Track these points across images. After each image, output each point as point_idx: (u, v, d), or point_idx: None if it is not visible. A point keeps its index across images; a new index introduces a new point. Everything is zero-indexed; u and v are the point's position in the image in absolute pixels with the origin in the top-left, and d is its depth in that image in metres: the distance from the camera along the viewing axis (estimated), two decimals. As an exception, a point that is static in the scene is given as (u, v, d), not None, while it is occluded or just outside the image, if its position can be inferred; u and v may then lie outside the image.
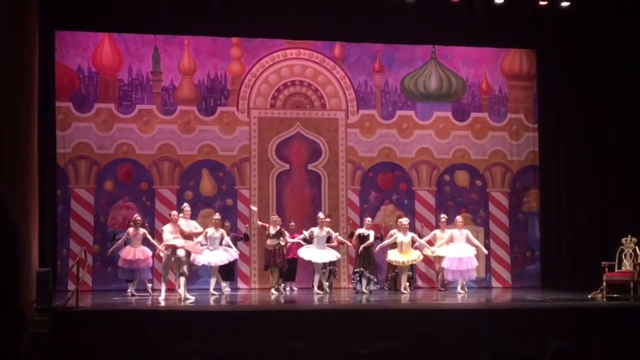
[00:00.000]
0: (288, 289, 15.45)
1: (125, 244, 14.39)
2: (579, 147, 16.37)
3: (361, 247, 14.98)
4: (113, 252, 14.64)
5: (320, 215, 15.19)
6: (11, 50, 10.67)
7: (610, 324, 11.88)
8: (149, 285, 14.68)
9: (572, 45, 16.36)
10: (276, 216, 15.28)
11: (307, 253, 14.82)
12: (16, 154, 10.99)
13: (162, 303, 13.11)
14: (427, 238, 15.55)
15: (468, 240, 15.14)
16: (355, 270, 15.13)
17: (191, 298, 13.25)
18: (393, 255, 15.00)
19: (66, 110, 15.98)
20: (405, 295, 14.72)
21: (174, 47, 16.56)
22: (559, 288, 15.69)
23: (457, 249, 15.03)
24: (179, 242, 13.44)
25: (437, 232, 15.61)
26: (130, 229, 14.35)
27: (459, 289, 15.07)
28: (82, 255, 13.13)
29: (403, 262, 14.98)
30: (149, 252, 14.47)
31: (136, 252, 14.27)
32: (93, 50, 16.21)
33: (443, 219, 15.64)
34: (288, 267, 15.11)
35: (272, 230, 14.95)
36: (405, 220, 15.18)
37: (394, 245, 15.03)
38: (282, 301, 14.01)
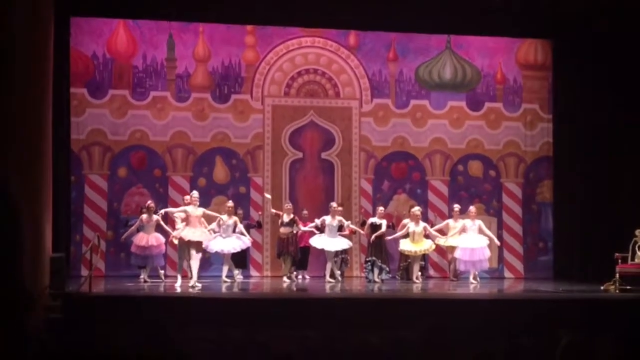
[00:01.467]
0: (300, 277, 15.46)
1: (138, 230, 14.42)
2: (593, 138, 16.30)
3: (373, 236, 14.97)
4: (126, 238, 14.67)
5: (333, 204, 15.17)
6: (26, 36, 10.68)
7: (623, 316, 11.85)
8: (162, 271, 14.73)
9: (588, 36, 16.29)
10: (290, 204, 15.27)
11: (319, 241, 14.81)
12: (30, 140, 11.01)
13: (178, 289, 13.16)
14: (439, 227, 15.52)
15: (480, 231, 15.11)
16: (368, 259, 15.14)
17: (198, 285, 13.28)
18: (405, 245, 14.98)
19: (81, 97, 16.01)
20: (417, 284, 14.72)
21: (189, 34, 16.55)
22: (571, 279, 15.65)
23: (470, 239, 15.00)
24: (191, 234, 13.41)
25: (449, 221, 15.58)
26: (144, 216, 14.37)
27: (471, 279, 15.05)
28: (95, 241, 13.20)
29: (415, 252, 14.97)
30: (162, 239, 14.49)
31: (149, 239, 14.30)
32: (108, 36, 16.23)
33: (456, 209, 15.62)
34: (300, 255, 15.11)
35: (286, 218, 14.96)
36: (417, 210, 15.16)
37: (406, 234, 15.02)
38: (294, 289, 14.01)
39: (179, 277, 13.73)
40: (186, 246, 13.48)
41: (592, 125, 16.30)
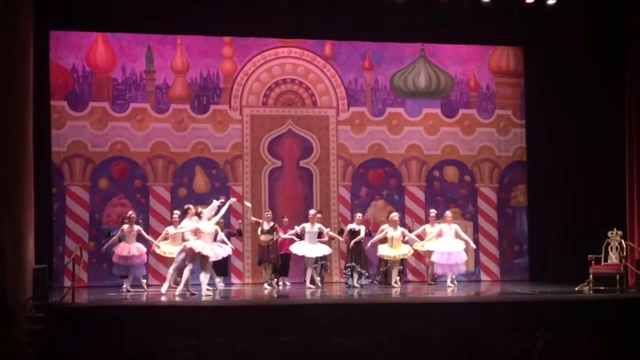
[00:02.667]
0: (281, 284, 15.43)
1: (120, 240, 14.36)
2: (565, 143, 16.39)
3: (352, 242, 14.98)
4: (107, 249, 14.60)
5: (312, 211, 15.18)
6: (6, 50, 10.61)
7: (598, 316, 11.92)
8: (144, 281, 14.67)
9: (558, 43, 16.39)
10: (269, 212, 15.25)
11: (299, 248, 14.81)
12: (11, 153, 10.93)
13: (163, 297, 13.13)
14: (416, 232, 15.56)
15: (457, 235, 15.15)
16: (347, 264, 15.13)
17: (196, 293, 13.31)
18: (384, 250, 15.01)
19: (61, 109, 15.93)
20: (396, 289, 14.73)
21: (167, 46, 16.51)
22: (546, 281, 15.73)
23: (447, 244, 15.04)
24: (202, 247, 13.34)
25: (426, 226, 15.61)
26: (125, 226, 14.32)
27: (448, 283, 15.08)
28: (77, 252, 13.12)
29: (394, 257, 15.00)
30: (144, 249, 14.45)
31: (131, 249, 14.25)
32: (87, 50, 16.15)
33: (432, 214, 15.68)
34: (281, 262, 15.08)
35: (266, 226, 14.93)
36: (395, 215, 15.21)
37: (384, 240, 15.04)
38: (275, 296, 13.98)
39: (169, 282, 13.69)
40: (197, 257, 13.40)
41: (565, 130, 16.39)
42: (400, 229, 15.11)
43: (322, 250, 14.93)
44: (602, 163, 16.03)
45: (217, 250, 13.54)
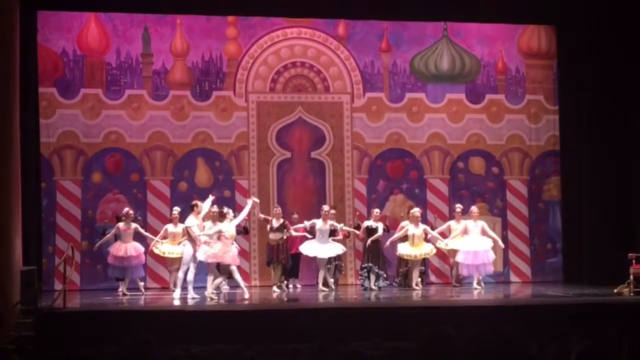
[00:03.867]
0: (291, 286, 15.45)
1: (116, 239, 14.39)
2: (602, 131, 16.33)
3: (369, 241, 14.98)
4: (100, 247, 14.65)
5: (325, 207, 15.17)
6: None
7: (639, 320, 11.89)
8: (141, 284, 14.71)
9: (594, 21, 16.31)
10: (279, 208, 15.28)
11: (310, 249, 14.81)
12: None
13: (176, 301, 13.33)
14: (440, 229, 15.54)
15: (484, 232, 15.13)
16: (364, 265, 15.13)
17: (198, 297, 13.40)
18: (404, 249, 15.00)
19: (50, 97, 15.99)
20: (417, 291, 14.73)
21: (166, 27, 16.54)
22: (582, 282, 15.71)
23: (473, 242, 15.02)
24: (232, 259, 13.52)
25: (451, 223, 15.59)
26: (121, 224, 14.35)
27: (474, 285, 15.08)
28: (69, 252, 13.18)
29: (415, 256, 14.99)
30: (142, 249, 14.48)
31: (127, 249, 14.28)
32: (78, 31, 16.20)
33: (458, 209, 15.64)
34: (291, 262, 15.10)
35: (275, 224, 14.96)
36: (417, 211, 15.19)
37: (404, 238, 15.03)
38: (285, 299, 14.01)
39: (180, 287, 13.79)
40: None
41: (601, 117, 16.32)
42: (422, 226, 15.10)
43: (335, 249, 14.94)
44: (642, 152, 15.98)
45: (235, 256, 13.77)
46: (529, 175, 17.44)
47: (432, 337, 4.56)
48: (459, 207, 15.77)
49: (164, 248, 14.67)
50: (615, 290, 13.73)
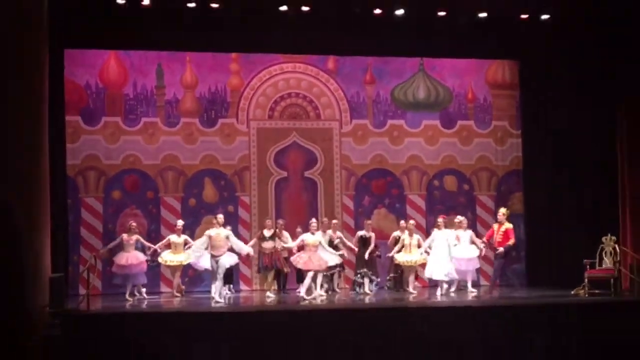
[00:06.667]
0: (298, 291, 15.15)
1: (121, 249, 14.36)
2: (559, 152, 16.45)
3: (367, 255, 14.79)
4: (103, 254, 14.81)
5: (313, 221, 14.44)
6: (23, 68, 10.69)
7: (593, 318, 11.94)
8: (143, 289, 14.57)
9: (552, 56, 16.46)
10: (270, 220, 15.31)
11: (303, 262, 14.00)
12: (29, 167, 11.00)
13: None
14: (428, 243, 15.00)
15: (472, 241, 14.95)
16: (359, 271, 14.97)
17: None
18: (399, 256, 14.84)
19: (75, 124, 15.99)
20: (413, 294, 14.58)
21: (177, 63, 16.57)
22: (543, 286, 15.71)
23: (464, 250, 14.84)
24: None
25: (433, 233, 15.06)
26: (124, 235, 14.36)
27: (470, 288, 14.84)
28: (92, 261, 13.18)
29: (409, 262, 14.83)
30: (143, 258, 14.35)
31: (129, 257, 14.22)
32: (100, 67, 16.22)
33: (440, 222, 14.82)
34: (296, 269, 14.57)
35: (267, 234, 14.95)
36: (411, 224, 15.08)
37: (401, 247, 14.88)
38: (274, 303, 13.79)
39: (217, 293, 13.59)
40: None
41: (559, 140, 16.44)
42: (416, 236, 14.91)
43: (334, 259, 14.44)
44: (595, 171, 16.03)
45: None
46: (495, 191, 17.49)
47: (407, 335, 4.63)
48: (440, 220, 15.22)
49: (166, 257, 14.57)
50: (572, 292, 13.76)
